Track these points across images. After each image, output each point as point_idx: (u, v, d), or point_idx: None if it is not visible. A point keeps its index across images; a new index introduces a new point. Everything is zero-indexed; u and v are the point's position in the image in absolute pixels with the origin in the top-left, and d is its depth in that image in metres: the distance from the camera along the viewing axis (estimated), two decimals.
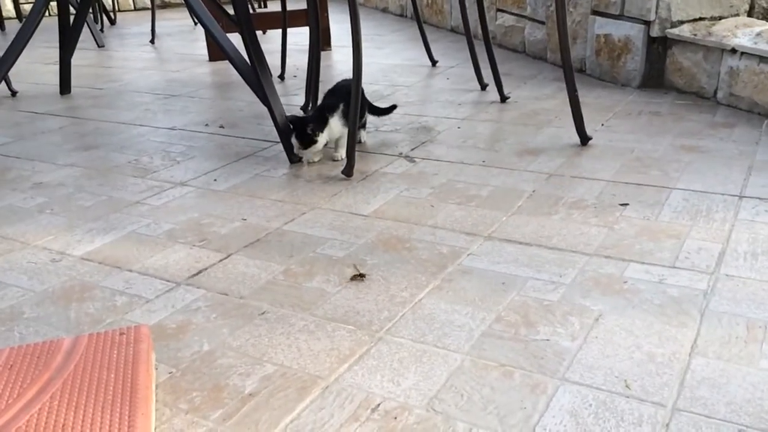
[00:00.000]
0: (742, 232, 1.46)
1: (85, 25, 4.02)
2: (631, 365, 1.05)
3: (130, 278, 1.40)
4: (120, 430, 0.88)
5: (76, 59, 3.27)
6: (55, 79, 3.21)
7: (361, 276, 1.35)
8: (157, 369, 1.10)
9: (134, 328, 1.11)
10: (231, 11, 2.64)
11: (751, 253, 1.37)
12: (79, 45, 3.21)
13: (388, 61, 3.52)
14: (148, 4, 5.22)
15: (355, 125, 1.94)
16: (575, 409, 0.96)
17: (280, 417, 0.98)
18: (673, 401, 0.97)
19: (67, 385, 0.98)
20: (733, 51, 2.31)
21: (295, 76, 3.24)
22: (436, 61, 3.38)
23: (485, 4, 3.62)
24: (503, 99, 2.64)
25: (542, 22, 3.22)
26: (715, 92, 2.42)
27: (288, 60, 3.28)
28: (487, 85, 2.82)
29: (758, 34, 2.29)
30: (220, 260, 1.47)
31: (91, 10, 4.99)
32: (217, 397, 1.03)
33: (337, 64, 3.56)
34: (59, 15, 3.07)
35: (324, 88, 2.93)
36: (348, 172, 1.92)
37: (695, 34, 2.45)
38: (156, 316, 1.26)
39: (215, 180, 1.95)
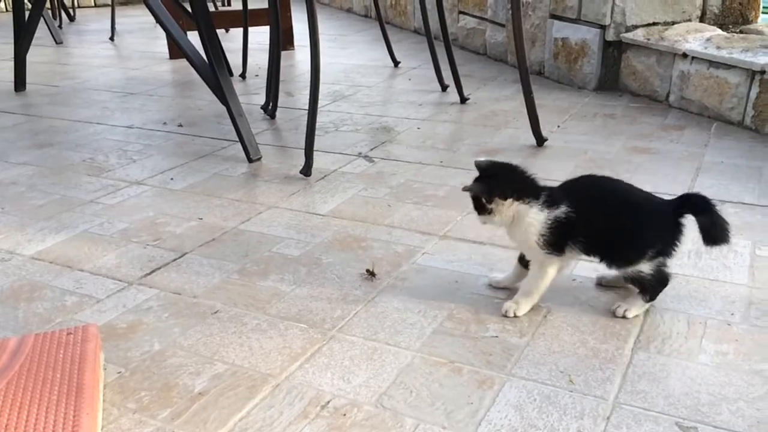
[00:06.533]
0: (687, 232, 1.50)
1: (43, 21, 3.95)
2: (575, 360, 1.08)
3: (81, 278, 1.39)
4: (64, 430, 0.88)
5: (33, 56, 3.21)
6: (10, 76, 3.14)
7: (372, 274, 1.36)
8: (105, 369, 1.09)
9: (82, 328, 1.09)
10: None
11: (694, 252, 1.41)
12: (36, 41, 3.15)
13: (351, 62, 3.53)
14: (109, 0, 5.14)
15: (313, 122, 1.94)
16: (520, 404, 0.99)
17: (229, 415, 0.98)
18: (614, 395, 1.00)
19: (11, 385, 0.97)
20: (685, 55, 2.37)
21: (256, 76, 3.23)
22: (399, 62, 3.39)
23: (448, 6, 3.65)
24: (463, 100, 2.66)
25: (502, 25, 3.26)
26: (668, 95, 2.49)
27: (250, 59, 3.27)
28: (447, 86, 2.84)
29: (708, 39, 2.36)
30: (174, 260, 1.46)
31: (49, 6, 4.90)
32: (166, 397, 1.02)
33: (300, 64, 3.56)
34: (14, 10, 3.01)
35: (285, 87, 2.94)
36: (306, 171, 1.92)
37: (648, 39, 2.51)
38: (106, 315, 1.25)
39: (172, 179, 1.93)
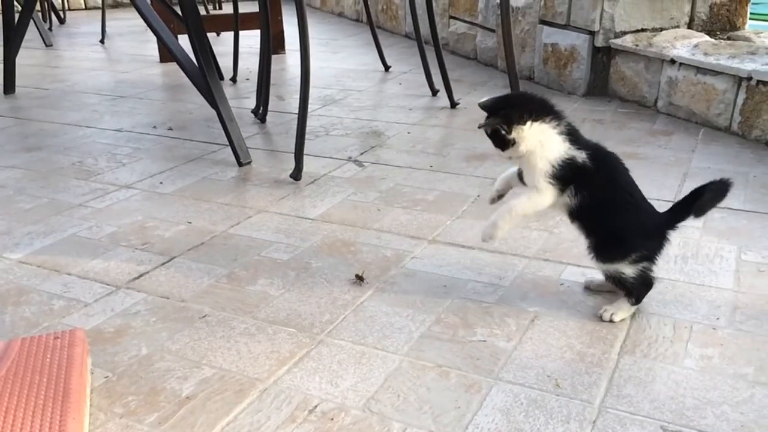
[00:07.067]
0: (674, 237, 1.51)
1: (33, 23, 3.93)
2: (562, 364, 1.09)
3: (68, 282, 1.38)
4: None
5: (22, 58, 3.19)
6: None
7: (361, 279, 1.36)
8: (92, 373, 1.08)
9: (69, 332, 1.09)
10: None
11: (681, 257, 1.42)
12: (25, 44, 3.14)
13: (342, 66, 3.53)
14: (99, 3, 5.12)
15: (303, 126, 1.94)
16: (507, 408, 0.99)
17: (217, 420, 0.98)
18: (600, 399, 1.00)
19: None
20: (673, 62, 2.39)
21: (247, 79, 3.23)
22: (389, 67, 3.40)
23: (438, 11, 3.67)
24: (453, 105, 2.67)
25: (493, 30, 3.28)
26: (656, 101, 2.51)
27: (241, 63, 3.27)
28: (438, 90, 2.85)
29: (696, 46, 2.38)
30: (163, 264, 1.45)
31: (39, 9, 4.88)
32: (153, 401, 1.02)
33: (291, 68, 3.56)
34: (3, 11, 3.00)
35: (276, 91, 2.95)
36: (296, 175, 1.92)
37: (637, 45, 2.53)
38: (94, 320, 1.24)
39: (161, 183, 1.93)
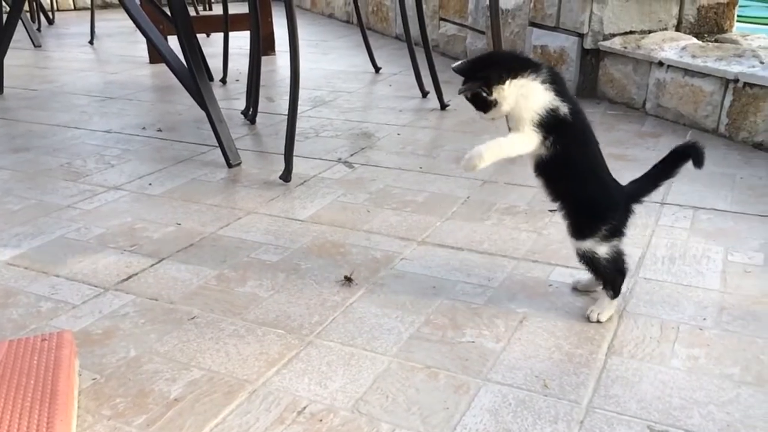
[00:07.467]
0: (661, 238, 1.53)
1: (22, 24, 3.91)
2: (550, 365, 1.09)
3: (56, 284, 1.37)
4: None
5: (10, 59, 3.17)
6: None
7: (349, 280, 1.36)
8: (80, 375, 1.08)
9: (57, 334, 1.09)
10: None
11: (668, 258, 1.43)
12: (14, 44, 3.12)
13: (332, 67, 3.53)
14: (89, 3, 5.09)
15: (293, 127, 1.94)
16: (495, 408, 0.99)
17: (205, 421, 0.98)
18: (588, 399, 1.01)
19: None
20: (661, 64, 2.40)
21: (237, 80, 3.22)
22: (380, 68, 3.41)
23: (428, 13, 3.68)
24: (443, 106, 2.68)
25: (483, 32, 3.29)
26: (644, 103, 2.52)
27: (231, 64, 3.26)
28: (428, 92, 2.86)
29: (684, 48, 2.40)
30: (152, 265, 1.45)
31: (28, 9, 4.85)
32: (142, 403, 1.02)
33: (281, 69, 3.56)
34: None
35: (266, 92, 2.94)
36: (286, 177, 1.92)
37: (625, 47, 2.54)
38: (82, 322, 1.24)
39: (150, 184, 1.92)
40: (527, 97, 1.14)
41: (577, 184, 1.18)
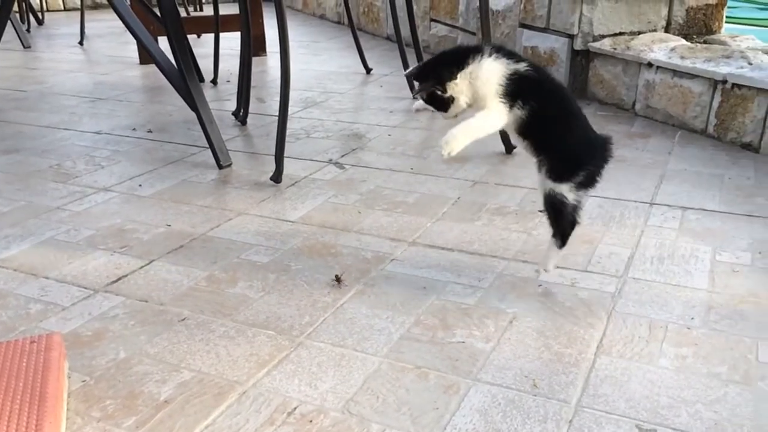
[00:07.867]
0: (650, 238, 1.54)
1: (11, 24, 3.89)
2: (540, 365, 1.10)
3: (46, 285, 1.37)
4: None
5: None
6: None
7: (339, 281, 1.36)
8: (69, 377, 1.08)
9: (46, 336, 1.08)
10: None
11: (657, 258, 1.44)
12: (3, 45, 3.10)
13: (323, 68, 3.53)
14: (78, 4, 5.07)
15: (283, 129, 1.94)
16: (485, 408, 1.00)
17: (195, 423, 0.98)
18: (577, 398, 1.02)
19: None
20: (650, 65, 2.42)
21: (228, 81, 3.21)
22: (371, 69, 3.41)
23: (419, 14, 3.68)
24: None
25: (473, 33, 3.29)
26: (634, 104, 2.54)
27: (222, 65, 3.25)
28: None
29: (672, 49, 2.41)
30: (142, 267, 1.45)
31: (17, 9, 4.82)
32: (131, 405, 1.02)
33: (272, 70, 3.55)
34: None
35: (256, 93, 2.94)
36: (277, 178, 1.92)
37: (615, 48, 2.56)
38: (71, 323, 1.23)
39: (140, 185, 1.92)
40: (480, 77, 1.18)
41: (559, 131, 1.23)
